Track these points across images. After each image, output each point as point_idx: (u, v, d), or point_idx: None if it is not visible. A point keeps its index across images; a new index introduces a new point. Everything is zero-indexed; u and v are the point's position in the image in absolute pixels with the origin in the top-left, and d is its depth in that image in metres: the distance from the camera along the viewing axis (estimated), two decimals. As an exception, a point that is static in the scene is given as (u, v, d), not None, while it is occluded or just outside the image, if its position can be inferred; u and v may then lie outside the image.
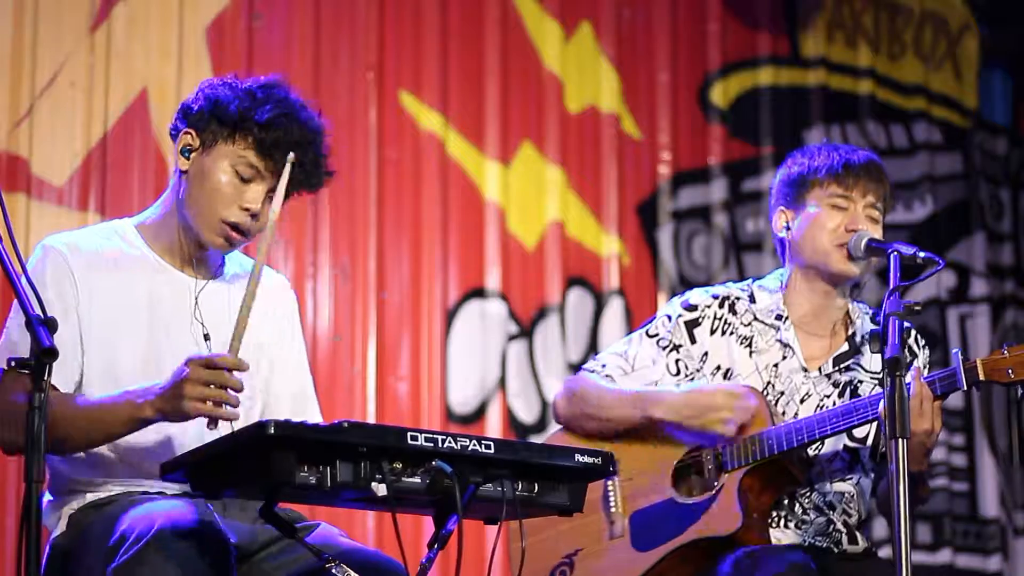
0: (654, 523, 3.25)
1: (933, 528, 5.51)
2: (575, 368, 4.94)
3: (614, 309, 5.05)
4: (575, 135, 5.04)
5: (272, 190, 2.79)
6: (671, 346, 3.35)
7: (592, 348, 4.99)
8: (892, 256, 3.05)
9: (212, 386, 2.54)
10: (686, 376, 3.33)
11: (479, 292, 4.80)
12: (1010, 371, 2.98)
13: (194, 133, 2.82)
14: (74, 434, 2.67)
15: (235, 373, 2.56)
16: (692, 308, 3.36)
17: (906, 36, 5.81)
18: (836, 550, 3.24)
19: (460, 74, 4.83)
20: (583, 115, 5.07)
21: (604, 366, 3.37)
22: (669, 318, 3.37)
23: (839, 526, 3.25)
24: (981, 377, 3.00)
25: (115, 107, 4.25)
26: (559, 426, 3.46)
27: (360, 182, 4.59)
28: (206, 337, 2.83)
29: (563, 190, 4.98)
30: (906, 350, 3.27)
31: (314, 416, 2.97)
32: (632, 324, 5.03)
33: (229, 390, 2.55)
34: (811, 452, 3.26)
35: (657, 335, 3.36)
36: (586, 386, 3.36)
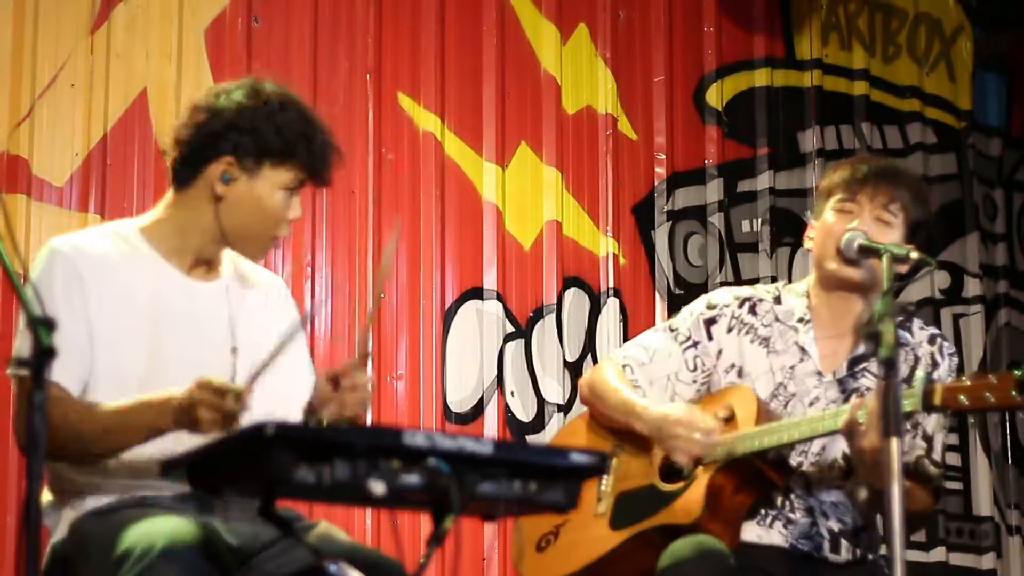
0: (632, 505, 3.33)
1: (927, 526, 5.53)
2: (572, 367, 4.97)
3: (610, 309, 5.07)
4: (572, 136, 5.06)
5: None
6: (690, 342, 3.41)
7: (588, 348, 5.01)
8: (884, 256, 3.08)
9: (224, 409, 2.60)
10: (703, 372, 3.39)
11: (476, 292, 4.83)
12: (963, 398, 2.98)
13: (233, 160, 2.84)
14: (91, 445, 2.71)
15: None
16: (712, 307, 3.42)
17: (900, 38, 5.83)
18: (816, 555, 3.27)
19: (457, 76, 4.85)
20: (579, 116, 5.09)
21: (626, 355, 3.46)
22: (691, 314, 3.44)
23: (822, 531, 3.28)
24: (936, 402, 3.00)
25: (115, 108, 4.26)
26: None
27: (358, 183, 4.61)
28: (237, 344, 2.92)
29: (560, 191, 5.01)
30: (928, 357, 3.31)
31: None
32: (628, 324, 5.06)
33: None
34: (809, 458, 3.29)
35: (677, 330, 3.44)
36: (603, 377, 3.45)
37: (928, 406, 3.01)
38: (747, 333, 3.38)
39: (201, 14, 4.42)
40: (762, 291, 3.45)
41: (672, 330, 3.45)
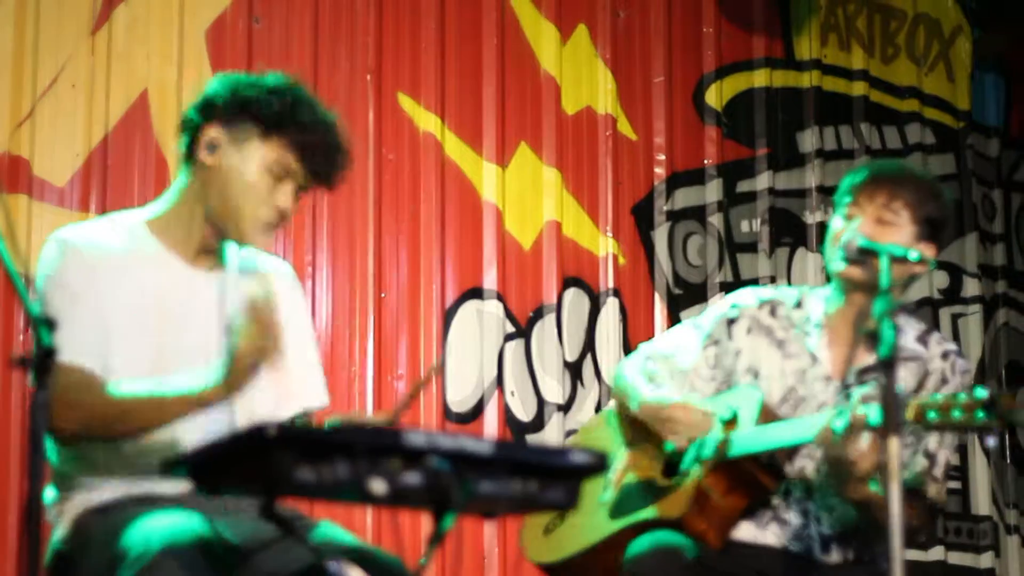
0: (631, 497, 3.38)
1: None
2: (572, 367, 4.99)
3: (610, 309, 5.08)
4: (572, 136, 5.07)
5: (300, 188, 2.87)
6: (711, 340, 3.45)
7: (588, 348, 5.02)
8: (883, 257, 3.09)
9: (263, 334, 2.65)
10: (723, 371, 3.43)
11: (476, 292, 4.83)
12: (933, 415, 2.96)
13: (221, 128, 2.84)
14: (137, 423, 2.72)
15: None
16: (735, 307, 3.46)
17: (899, 39, 5.84)
18: (808, 557, 3.29)
19: (457, 76, 4.86)
20: (579, 116, 5.10)
21: (653, 348, 3.55)
22: (715, 312, 3.48)
23: (813, 533, 3.29)
24: (909, 417, 2.99)
25: (116, 109, 4.27)
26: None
27: (359, 183, 4.62)
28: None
29: (560, 191, 5.02)
30: (939, 373, 3.32)
31: (318, 388, 3.07)
32: (628, 324, 5.08)
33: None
34: (814, 461, 3.30)
35: (701, 327, 3.48)
36: (624, 367, 3.54)
37: (900, 420, 3.02)
38: (765, 336, 3.40)
39: (202, 15, 4.43)
40: (786, 294, 3.47)
41: (697, 327, 3.50)
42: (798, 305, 3.42)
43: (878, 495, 3.17)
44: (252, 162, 2.82)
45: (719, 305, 3.52)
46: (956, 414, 2.92)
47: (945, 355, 3.34)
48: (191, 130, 2.88)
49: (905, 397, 3.07)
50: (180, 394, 2.68)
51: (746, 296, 3.49)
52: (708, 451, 3.25)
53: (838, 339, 3.35)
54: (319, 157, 2.85)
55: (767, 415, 3.27)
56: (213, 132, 2.84)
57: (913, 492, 3.24)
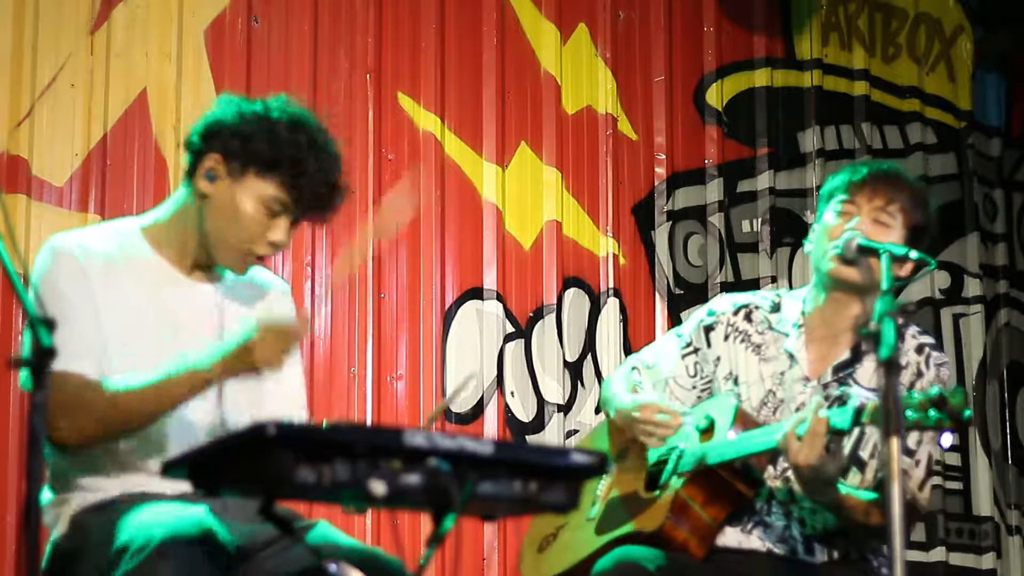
0: (616, 510, 3.38)
1: (927, 526, 5.54)
2: (572, 367, 4.98)
3: (610, 309, 5.08)
4: (572, 136, 5.07)
5: (295, 221, 2.88)
6: (690, 348, 3.46)
7: (588, 348, 5.02)
8: (884, 256, 3.08)
9: (281, 350, 2.68)
10: (702, 378, 3.44)
11: (476, 292, 4.83)
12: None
13: (221, 159, 2.84)
14: (142, 415, 2.74)
15: None
16: (712, 313, 3.46)
17: (900, 38, 5.84)
18: (792, 558, 3.28)
19: (457, 76, 4.86)
20: (579, 116, 5.10)
21: (639, 358, 3.57)
22: (694, 320, 3.49)
23: (795, 534, 3.29)
24: (865, 420, 3.01)
25: (115, 108, 4.27)
26: None
27: (358, 183, 4.61)
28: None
29: (560, 191, 5.01)
30: (914, 366, 3.29)
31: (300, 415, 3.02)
32: (628, 324, 5.07)
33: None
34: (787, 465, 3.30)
35: (682, 335, 3.49)
36: (608, 382, 3.57)
37: (857, 422, 3.02)
38: (742, 341, 3.40)
39: (201, 14, 4.43)
40: (761, 298, 3.47)
41: (679, 335, 3.51)
42: (775, 308, 3.41)
43: (849, 497, 3.17)
44: (248, 197, 2.83)
45: (698, 312, 3.53)
46: (909, 414, 2.91)
47: (920, 348, 3.32)
48: (193, 153, 2.89)
49: (866, 398, 3.08)
50: (184, 369, 2.70)
51: (722, 302, 3.49)
52: (684, 462, 3.25)
53: (815, 338, 3.34)
54: (313, 198, 2.86)
55: (745, 421, 3.26)
56: (212, 161, 2.85)
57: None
